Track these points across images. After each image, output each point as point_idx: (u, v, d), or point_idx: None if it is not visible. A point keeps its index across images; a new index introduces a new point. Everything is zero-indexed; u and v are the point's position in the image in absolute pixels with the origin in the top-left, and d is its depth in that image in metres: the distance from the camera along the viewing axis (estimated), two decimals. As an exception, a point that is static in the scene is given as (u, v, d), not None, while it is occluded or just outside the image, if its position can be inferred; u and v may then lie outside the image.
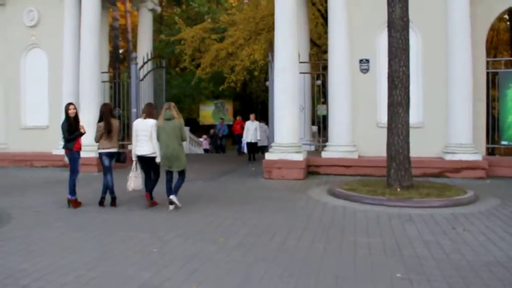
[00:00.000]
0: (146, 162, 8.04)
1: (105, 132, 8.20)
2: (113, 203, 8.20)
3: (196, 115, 33.96)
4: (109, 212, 7.83)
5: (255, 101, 40.16)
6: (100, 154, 8.33)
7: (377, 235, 6.06)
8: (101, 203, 8.19)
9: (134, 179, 8.09)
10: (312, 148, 14.40)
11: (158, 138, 7.83)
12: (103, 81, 15.03)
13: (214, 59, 20.92)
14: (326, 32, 15.42)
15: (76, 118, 8.29)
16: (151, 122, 7.92)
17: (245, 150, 16.89)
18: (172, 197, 7.79)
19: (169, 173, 8.01)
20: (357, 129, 12.21)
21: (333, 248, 5.48)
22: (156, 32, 28.15)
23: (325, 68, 13.03)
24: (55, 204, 8.42)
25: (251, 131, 16.41)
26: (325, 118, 13.19)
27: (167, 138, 7.73)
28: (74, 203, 8.14)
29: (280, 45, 11.71)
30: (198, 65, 22.65)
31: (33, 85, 15.50)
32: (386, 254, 5.21)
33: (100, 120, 8.33)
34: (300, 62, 12.47)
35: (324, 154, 12.16)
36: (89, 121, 12.52)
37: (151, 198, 8.17)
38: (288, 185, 10.49)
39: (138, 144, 7.99)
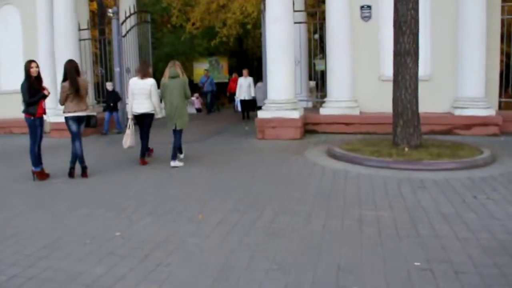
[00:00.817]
0: (143, 121, 8.02)
1: (71, 93, 7.10)
2: (84, 173, 7.18)
3: (190, 73, 32.57)
4: (78, 184, 6.84)
5: (251, 57, 38.63)
6: (66, 118, 7.24)
7: (386, 207, 5.06)
8: (71, 174, 7.16)
9: (130, 136, 8.04)
10: (310, 104, 13.30)
11: (162, 96, 7.83)
12: (83, 39, 13.78)
13: (204, 13, 19.47)
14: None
15: (38, 78, 7.14)
16: (150, 81, 7.96)
17: (239, 108, 15.70)
18: (172, 163, 7.76)
19: (175, 132, 7.86)
20: (358, 83, 11.08)
21: (334, 227, 4.47)
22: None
23: (322, 18, 11.78)
24: (22, 176, 7.36)
25: (244, 87, 15.23)
26: (323, 74, 12.06)
27: (171, 96, 7.66)
28: (40, 175, 7.11)
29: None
30: (188, 21, 21.21)
31: (7, 46, 14.16)
32: (398, 234, 4.21)
33: (64, 80, 7.23)
34: (295, 11, 11.20)
35: (323, 111, 11.07)
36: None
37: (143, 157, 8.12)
38: (283, 145, 9.46)
39: (135, 103, 7.93)
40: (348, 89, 10.97)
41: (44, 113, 7.19)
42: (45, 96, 7.08)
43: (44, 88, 7.10)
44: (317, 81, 13.57)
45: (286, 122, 10.25)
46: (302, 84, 12.97)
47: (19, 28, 13.96)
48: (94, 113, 7.65)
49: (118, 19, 13.55)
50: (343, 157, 7.74)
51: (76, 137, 7.19)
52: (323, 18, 11.62)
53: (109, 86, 13.49)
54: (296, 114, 10.29)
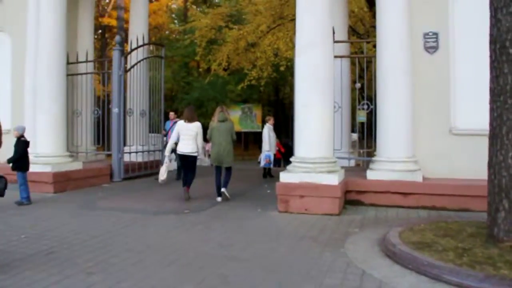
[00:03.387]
0: (188, 160, 8.54)
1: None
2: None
3: (220, 120, 30.02)
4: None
5: (288, 107, 36.12)
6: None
7: None
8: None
9: (166, 171, 8.58)
10: (352, 163, 10.16)
11: (211, 138, 8.48)
12: (82, 73, 11.31)
13: (232, 53, 16.88)
14: (370, 11, 11.19)
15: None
16: (197, 124, 8.51)
17: (262, 163, 12.54)
18: (223, 189, 8.41)
19: (218, 168, 8.48)
20: (419, 138, 7.94)
21: None
22: (167, 23, 24.47)
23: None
24: None
25: (273, 138, 12.32)
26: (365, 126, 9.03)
27: (220, 137, 8.32)
28: None
29: (304, 11, 7.57)
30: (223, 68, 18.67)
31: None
32: None
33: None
34: (335, 42, 8.31)
35: (371, 175, 7.88)
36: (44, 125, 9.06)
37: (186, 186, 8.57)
38: (314, 226, 6.31)
39: (182, 143, 8.46)
40: (406, 146, 7.80)
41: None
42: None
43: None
44: (361, 133, 10.57)
45: (320, 189, 7.10)
46: (343, 137, 9.86)
47: (9, 60, 11.61)
48: (2, 175, 4.77)
49: (121, 51, 11.06)
50: (411, 260, 4.49)
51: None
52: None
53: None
54: (334, 179, 7.13)
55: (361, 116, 10.61)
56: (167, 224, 6.39)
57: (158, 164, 12.70)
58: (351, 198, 7.84)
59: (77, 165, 9.68)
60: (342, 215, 7.11)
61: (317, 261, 4.74)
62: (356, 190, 7.85)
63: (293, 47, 8.94)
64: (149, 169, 12.15)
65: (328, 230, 6.10)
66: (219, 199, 8.34)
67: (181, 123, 8.56)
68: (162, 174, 8.54)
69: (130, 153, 11.70)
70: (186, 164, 8.61)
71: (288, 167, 7.62)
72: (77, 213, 7.26)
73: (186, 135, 8.37)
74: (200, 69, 26.87)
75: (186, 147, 8.38)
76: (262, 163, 12.27)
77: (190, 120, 8.44)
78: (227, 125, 8.36)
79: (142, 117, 12.13)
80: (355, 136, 11.67)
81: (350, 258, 4.81)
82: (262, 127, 23.94)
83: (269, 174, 12.07)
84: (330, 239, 5.62)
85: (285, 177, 7.35)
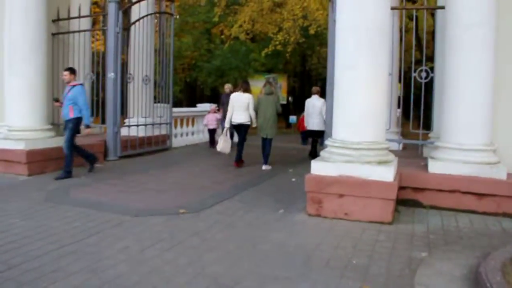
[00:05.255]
0: (242, 128, 8.75)
1: None
2: None
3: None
4: None
5: (315, 78, 33.71)
6: None
7: None
8: None
9: (224, 143, 8.74)
10: (400, 147, 8.01)
11: (257, 109, 8.70)
12: (70, 32, 9.32)
13: (255, 14, 14.57)
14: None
15: None
16: (249, 95, 8.68)
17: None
18: (263, 167, 8.61)
19: (263, 139, 8.75)
20: (501, 121, 5.76)
21: None
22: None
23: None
24: None
25: (315, 113, 10.13)
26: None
27: (266, 110, 8.61)
28: None
29: None
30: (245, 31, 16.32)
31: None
32: None
33: None
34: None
35: (434, 166, 5.69)
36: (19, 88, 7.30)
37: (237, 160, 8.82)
38: (359, 244, 4.26)
39: (235, 114, 8.65)
40: (484, 130, 5.61)
41: None
42: None
43: None
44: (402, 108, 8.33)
45: (367, 187, 4.97)
46: (392, 114, 7.66)
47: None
48: None
49: (118, 3, 8.99)
50: None
51: None
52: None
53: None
54: (388, 173, 4.98)
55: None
56: (145, 236, 4.40)
57: (165, 139, 10.79)
58: (405, 197, 5.72)
59: (59, 141, 7.71)
60: (396, 222, 5.03)
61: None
62: (413, 186, 5.72)
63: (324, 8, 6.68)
64: (154, 145, 10.22)
65: (383, 253, 4.03)
66: (264, 167, 8.65)
67: (235, 95, 8.80)
68: (219, 146, 8.77)
69: (129, 126, 9.77)
70: (239, 133, 8.88)
71: (322, 153, 5.52)
72: (36, 209, 5.31)
73: (237, 106, 8.62)
74: (223, 36, 24.63)
75: (239, 116, 8.64)
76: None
77: (244, 91, 8.71)
78: (272, 97, 8.70)
79: (146, 84, 10.12)
80: (398, 111, 9.42)
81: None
82: (287, 98, 21.72)
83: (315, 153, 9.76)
84: (389, 276, 3.56)
85: (318, 167, 5.23)
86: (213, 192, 6.37)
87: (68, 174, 7.15)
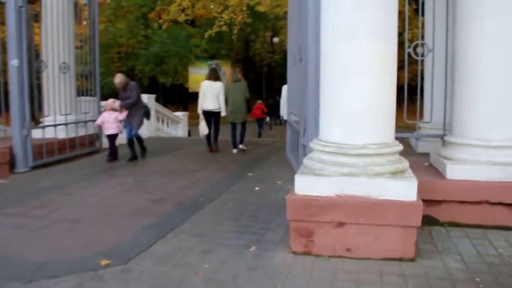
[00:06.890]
0: (212, 115, 8.92)
1: None
2: None
3: (184, 79, 25.43)
4: None
5: (259, 64, 32.23)
6: None
7: None
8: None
9: (203, 123, 8.84)
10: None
11: (227, 96, 9.01)
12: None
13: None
14: None
15: None
16: (219, 84, 8.90)
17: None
18: (241, 146, 9.07)
19: (233, 125, 9.08)
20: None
21: None
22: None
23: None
24: None
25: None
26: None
27: (234, 96, 8.99)
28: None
29: None
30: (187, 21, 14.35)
31: None
32: None
33: None
34: None
35: (454, 171, 4.16)
36: None
37: (210, 146, 9.05)
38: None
39: (206, 101, 8.82)
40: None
41: None
42: None
43: None
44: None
45: (380, 211, 3.34)
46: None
47: None
48: None
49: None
50: None
51: None
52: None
53: None
54: (409, 189, 3.34)
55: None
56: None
57: (93, 139, 8.78)
58: (416, 214, 4.20)
59: None
60: (418, 256, 3.47)
61: None
62: (426, 199, 4.18)
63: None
64: (78, 148, 8.19)
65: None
66: (234, 151, 8.92)
67: (205, 83, 8.92)
68: (202, 131, 8.91)
69: (44, 127, 7.68)
70: (210, 120, 8.95)
71: (309, 161, 3.82)
72: None
73: (208, 93, 8.78)
74: (161, 21, 22.49)
75: (210, 104, 8.80)
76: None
77: (214, 79, 8.89)
78: (240, 84, 9.06)
79: (64, 73, 8.03)
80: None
81: None
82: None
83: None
84: None
85: (305, 184, 3.53)
86: (152, 218, 4.51)
87: None
